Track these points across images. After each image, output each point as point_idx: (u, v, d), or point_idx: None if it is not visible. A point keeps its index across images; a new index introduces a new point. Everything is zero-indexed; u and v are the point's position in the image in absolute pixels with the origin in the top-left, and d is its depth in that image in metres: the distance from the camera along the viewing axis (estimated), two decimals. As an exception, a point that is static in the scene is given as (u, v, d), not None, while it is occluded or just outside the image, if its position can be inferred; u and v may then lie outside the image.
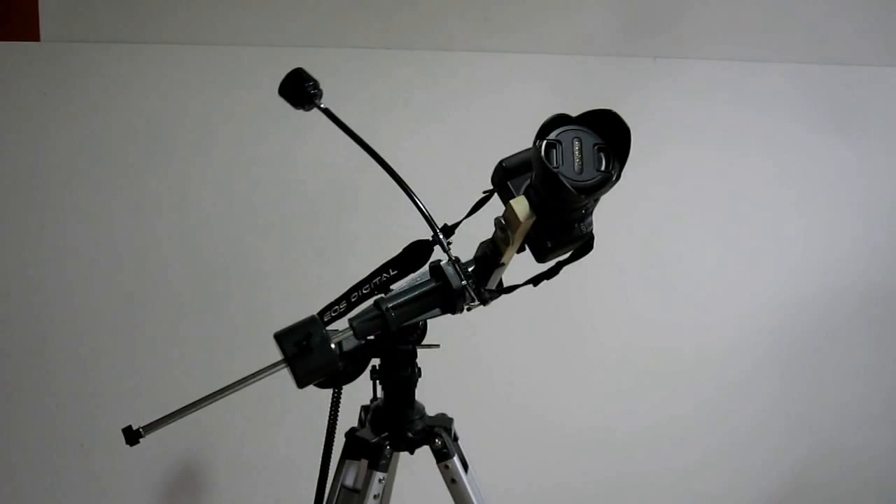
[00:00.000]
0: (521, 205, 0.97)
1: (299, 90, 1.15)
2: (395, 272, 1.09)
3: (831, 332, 2.16)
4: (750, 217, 2.14)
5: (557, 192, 0.94)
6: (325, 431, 1.08)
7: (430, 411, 1.18)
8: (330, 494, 1.10)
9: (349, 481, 1.11)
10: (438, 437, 1.12)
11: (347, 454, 1.14)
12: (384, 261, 1.12)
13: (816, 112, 2.14)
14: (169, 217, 1.98)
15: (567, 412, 2.10)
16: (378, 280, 1.09)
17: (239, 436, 1.98)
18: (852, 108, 2.15)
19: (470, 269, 1.06)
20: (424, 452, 1.13)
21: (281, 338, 1.01)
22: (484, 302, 1.05)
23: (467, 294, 1.05)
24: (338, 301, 1.09)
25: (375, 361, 1.12)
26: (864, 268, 2.17)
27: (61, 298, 1.94)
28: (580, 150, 0.95)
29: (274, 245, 1.97)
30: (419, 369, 1.13)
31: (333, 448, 1.09)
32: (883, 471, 2.19)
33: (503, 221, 1.00)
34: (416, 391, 1.14)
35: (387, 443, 1.10)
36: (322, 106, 1.11)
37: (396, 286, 1.07)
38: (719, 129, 2.13)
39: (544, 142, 0.93)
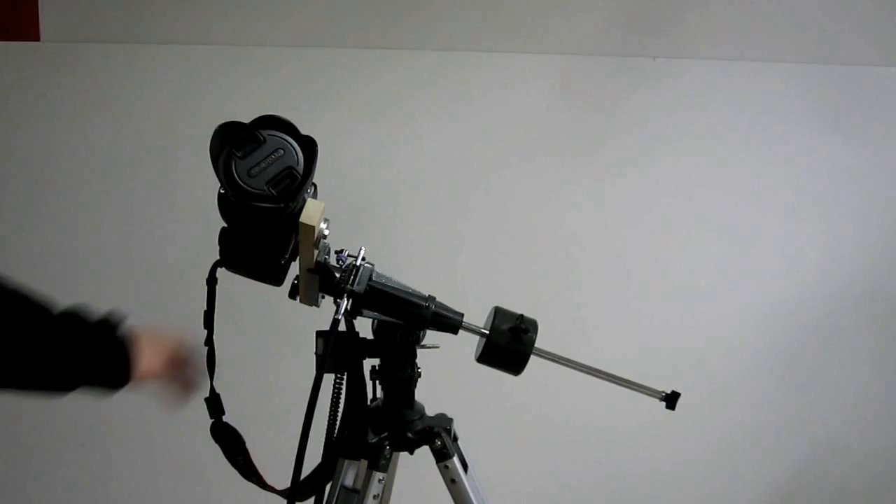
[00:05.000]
0: (315, 212, 0.96)
1: None
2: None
3: (830, 332, 2.16)
4: (749, 216, 2.14)
5: (314, 166, 0.94)
6: (324, 431, 1.08)
7: (430, 411, 1.18)
8: (330, 494, 1.10)
9: (349, 481, 1.11)
10: (438, 437, 1.12)
11: (347, 454, 1.14)
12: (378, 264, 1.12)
13: (816, 112, 2.14)
14: (169, 216, 1.98)
15: (567, 412, 2.10)
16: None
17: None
18: (852, 108, 2.15)
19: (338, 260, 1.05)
20: (424, 452, 1.13)
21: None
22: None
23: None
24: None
25: (375, 361, 1.12)
26: (863, 268, 2.17)
27: (63, 299, 1.94)
28: (256, 161, 0.94)
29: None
30: (419, 370, 1.13)
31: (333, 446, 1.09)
32: (883, 471, 2.19)
33: (321, 230, 0.99)
34: (416, 391, 1.14)
35: (386, 443, 1.10)
36: None
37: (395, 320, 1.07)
38: (719, 129, 2.13)
39: (272, 192, 0.91)
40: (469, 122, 2.07)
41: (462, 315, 1.08)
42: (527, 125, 2.09)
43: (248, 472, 1.09)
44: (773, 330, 2.15)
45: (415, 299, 1.06)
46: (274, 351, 1.98)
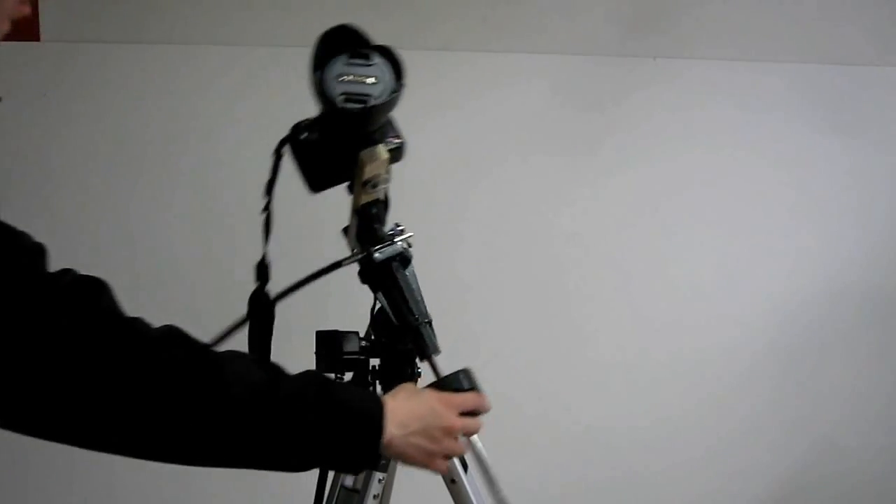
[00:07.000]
0: (374, 153, 0.97)
1: None
2: (261, 338, 1.08)
3: (831, 331, 2.16)
4: (749, 216, 2.14)
5: (387, 111, 0.96)
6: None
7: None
8: (330, 494, 1.10)
9: (349, 481, 1.11)
10: (438, 437, 1.12)
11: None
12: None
13: (816, 112, 2.14)
14: (170, 216, 1.98)
15: (567, 412, 2.10)
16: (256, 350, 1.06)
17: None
18: (852, 109, 2.15)
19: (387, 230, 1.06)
20: (424, 452, 1.13)
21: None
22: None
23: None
24: None
25: (375, 362, 1.12)
26: (863, 268, 2.17)
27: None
28: (353, 77, 0.94)
29: (281, 244, 1.97)
30: (419, 371, 1.13)
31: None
32: (883, 471, 2.19)
33: (371, 179, 0.99)
34: (416, 391, 1.14)
35: (386, 443, 1.10)
36: None
37: (387, 307, 1.06)
38: (719, 130, 2.13)
39: (340, 100, 0.92)
40: (468, 122, 2.07)
41: (438, 353, 1.02)
42: (526, 125, 2.09)
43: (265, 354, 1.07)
44: (773, 330, 2.15)
45: (413, 307, 1.03)
46: (274, 351, 1.98)
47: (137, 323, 0.74)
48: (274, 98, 1.99)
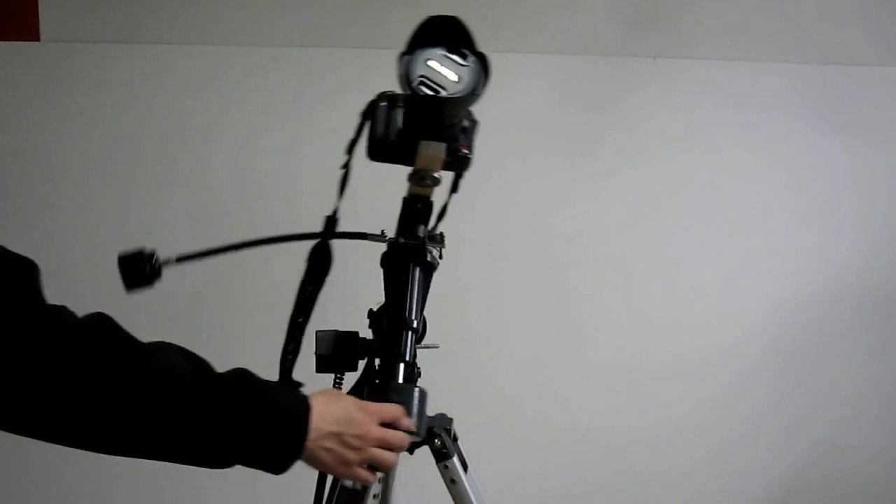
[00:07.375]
0: (432, 147, 0.97)
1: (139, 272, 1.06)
2: (311, 288, 1.07)
3: (830, 332, 2.16)
4: (749, 217, 2.14)
5: (461, 108, 0.96)
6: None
7: (430, 411, 1.18)
8: (330, 494, 1.10)
9: (349, 481, 1.11)
10: (438, 437, 1.12)
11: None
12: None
13: (816, 112, 2.14)
14: (169, 216, 1.98)
15: (567, 412, 2.10)
16: (304, 307, 1.06)
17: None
18: (852, 109, 2.15)
19: (430, 233, 1.08)
20: (424, 452, 1.13)
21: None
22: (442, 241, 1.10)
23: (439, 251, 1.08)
24: (287, 344, 1.07)
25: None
26: (863, 268, 2.17)
27: (62, 297, 1.94)
28: (439, 65, 0.94)
29: (279, 244, 1.96)
30: (419, 369, 1.13)
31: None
32: (883, 471, 2.19)
33: (421, 171, 1.00)
34: (416, 391, 1.14)
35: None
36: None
37: (387, 298, 1.06)
38: (719, 130, 2.13)
39: (416, 81, 0.92)
40: (468, 122, 2.06)
41: (406, 360, 1.02)
42: (526, 125, 2.09)
43: (309, 303, 1.07)
44: (773, 330, 2.15)
45: (410, 308, 1.03)
46: (272, 350, 1.98)
47: (63, 311, 0.75)
48: (272, 98, 1.99)
